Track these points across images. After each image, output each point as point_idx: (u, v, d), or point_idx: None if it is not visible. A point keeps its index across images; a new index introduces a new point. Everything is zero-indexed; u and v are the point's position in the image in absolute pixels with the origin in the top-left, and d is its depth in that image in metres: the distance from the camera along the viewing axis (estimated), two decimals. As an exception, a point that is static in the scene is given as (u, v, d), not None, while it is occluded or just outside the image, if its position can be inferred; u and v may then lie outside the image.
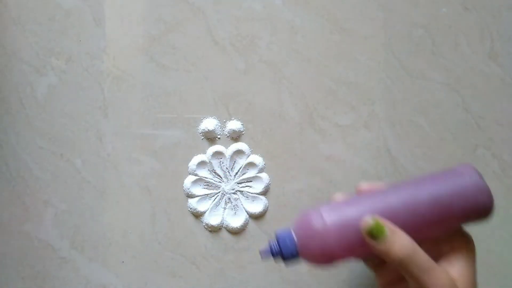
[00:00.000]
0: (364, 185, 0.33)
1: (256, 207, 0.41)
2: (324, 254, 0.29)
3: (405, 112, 0.43)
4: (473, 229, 0.42)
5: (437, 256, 0.30)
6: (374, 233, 0.28)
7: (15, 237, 0.42)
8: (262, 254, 0.31)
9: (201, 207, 0.42)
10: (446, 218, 0.30)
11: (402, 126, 0.43)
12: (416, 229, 0.29)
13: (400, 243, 0.27)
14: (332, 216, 0.29)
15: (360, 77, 0.43)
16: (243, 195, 0.42)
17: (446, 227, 0.31)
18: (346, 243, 0.29)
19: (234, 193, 0.42)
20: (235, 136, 0.43)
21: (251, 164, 0.42)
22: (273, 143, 0.43)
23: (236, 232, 0.42)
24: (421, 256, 0.28)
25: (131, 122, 0.43)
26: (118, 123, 0.42)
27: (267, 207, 0.42)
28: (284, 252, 0.30)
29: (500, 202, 0.42)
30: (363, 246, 0.29)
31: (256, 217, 0.42)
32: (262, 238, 0.42)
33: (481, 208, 0.30)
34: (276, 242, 0.30)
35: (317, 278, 0.41)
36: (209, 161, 0.42)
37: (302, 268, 0.41)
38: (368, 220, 0.28)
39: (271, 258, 0.31)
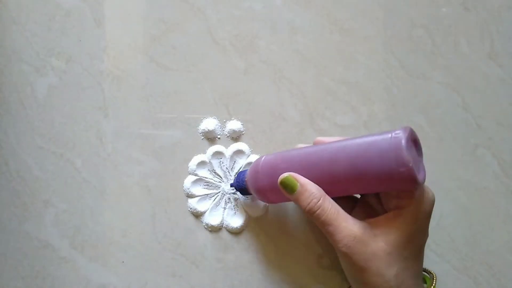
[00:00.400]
0: (320, 139, 0.36)
1: (256, 207, 0.41)
2: (258, 191, 0.36)
3: (405, 112, 0.43)
4: (473, 230, 0.42)
5: (387, 210, 0.33)
6: (287, 186, 0.33)
7: (15, 237, 0.42)
8: (230, 185, 0.40)
9: (201, 207, 0.42)
10: (362, 182, 0.31)
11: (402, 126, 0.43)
12: (333, 186, 0.32)
13: (306, 196, 0.32)
14: (266, 162, 0.35)
15: (360, 77, 0.43)
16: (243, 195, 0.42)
17: (368, 189, 0.32)
18: (272, 186, 0.34)
19: (234, 193, 0.42)
20: (235, 136, 0.43)
21: (251, 164, 0.42)
22: (273, 143, 0.43)
23: (236, 232, 0.42)
24: (326, 210, 0.31)
25: (131, 122, 0.43)
26: (118, 123, 0.42)
27: (267, 207, 0.42)
28: (237, 185, 0.39)
29: (500, 202, 0.42)
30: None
31: (256, 217, 0.42)
32: (262, 238, 0.42)
33: (396, 179, 0.29)
34: (236, 178, 0.39)
35: (316, 279, 0.41)
36: (209, 161, 0.42)
37: (302, 268, 0.41)
38: (284, 175, 0.33)
39: (234, 189, 0.40)
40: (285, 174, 0.33)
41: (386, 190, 0.32)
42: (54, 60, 0.43)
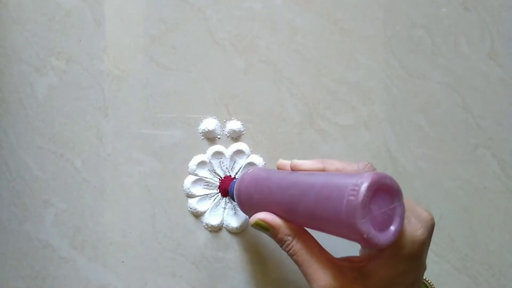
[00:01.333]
0: (296, 164, 0.34)
1: (256, 207, 0.42)
2: (241, 206, 0.36)
3: (405, 112, 0.43)
4: (473, 230, 0.42)
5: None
6: (260, 228, 0.32)
7: (15, 237, 0.42)
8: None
9: (201, 207, 0.42)
10: (323, 231, 0.28)
11: (402, 126, 0.43)
12: (301, 224, 0.31)
13: (278, 237, 0.31)
14: (245, 187, 0.35)
15: (360, 77, 0.43)
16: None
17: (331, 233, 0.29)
18: (249, 206, 0.34)
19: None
20: (235, 136, 0.43)
21: (251, 164, 0.42)
22: (273, 143, 0.43)
23: (236, 232, 0.42)
24: (297, 251, 0.30)
25: (131, 122, 0.43)
26: (118, 123, 0.42)
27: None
28: (230, 194, 0.39)
29: (500, 202, 0.42)
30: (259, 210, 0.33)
31: (256, 217, 0.42)
32: (262, 238, 0.42)
33: (355, 240, 0.26)
34: (232, 184, 0.39)
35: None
36: (209, 161, 0.42)
37: (302, 268, 0.41)
38: (254, 219, 0.32)
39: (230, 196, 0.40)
40: (255, 218, 0.32)
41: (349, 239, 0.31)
42: (54, 60, 0.43)
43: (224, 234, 0.42)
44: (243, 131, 0.43)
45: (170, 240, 0.42)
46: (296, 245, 0.31)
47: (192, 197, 0.42)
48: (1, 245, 0.42)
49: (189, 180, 0.42)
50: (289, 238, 0.31)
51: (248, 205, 0.35)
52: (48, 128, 0.42)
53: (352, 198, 0.24)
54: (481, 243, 0.42)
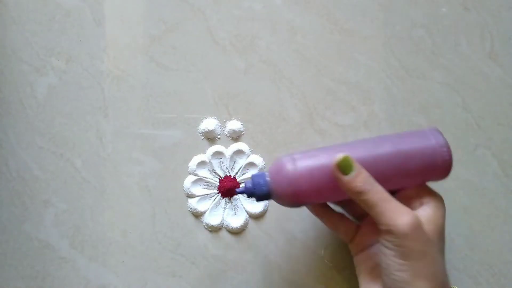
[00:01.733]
0: None
1: (256, 207, 0.41)
2: (294, 194, 0.33)
3: (405, 112, 0.43)
4: (472, 229, 0.42)
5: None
6: (343, 167, 0.32)
7: (15, 237, 0.42)
8: (238, 192, 0.35)
9: (201, 207, 0.42)
10: (405, 172, 0.33)
11: (402, 126, 0.43)
12: (378, 179, 0.32)
13: (362, 177, 0.31)
14: (303, 160, 0.33)
15: (360, 77, 0.43)
16: (243, 195, 0.42)
17: (407, 181, 0.34)
18: (316, 184, 0.33)
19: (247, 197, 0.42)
20: (235, 136, 0.43)
21: (251, 164, 0.42)
22: (273, 143, 0.43)
23: (236, 232, 0.42)
24: (381, 190, 0.31)
25: (131, 122, 0.43)
26: (118, 123, 0.42)
27: (267, 207, 0.42)
28: (257, 191, 0.34)
29: (500, 202, 0.42)
30: (329, 187, 0.33)
31: (256, 217, 0.42)
32: (262, 238, 0.42)
33: (439, 167, 0.33)
34: (251, 183, 0.34)
35: (317, 279, 0.41)
36: (209, 161, 0.42)
37: (302, 268, 0.41)
38: (341, 156, 0.32)
39: (246, 196, 0.35)
40: (343, 154, 0.32)
41: (423, 179, 0.34)
42: (54, 60, 0.43)
43: (224, 234, 0.42)
44: (243, 131, 0.43)
45: (170, 240, 0.42)
46: (377, 184, 0.32)
47: (192, 197, 0.42)
48: (1, 245, 0.42)
49: (189, 180, 0.42)
50: (371, 178, 0.32)
51: (314, 181, 0.33)
52: (48, 128, 0.42)
53: (436, 130, 0.34)
54: (481, 243, 0.42)
